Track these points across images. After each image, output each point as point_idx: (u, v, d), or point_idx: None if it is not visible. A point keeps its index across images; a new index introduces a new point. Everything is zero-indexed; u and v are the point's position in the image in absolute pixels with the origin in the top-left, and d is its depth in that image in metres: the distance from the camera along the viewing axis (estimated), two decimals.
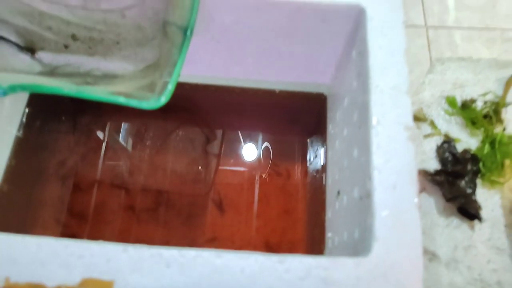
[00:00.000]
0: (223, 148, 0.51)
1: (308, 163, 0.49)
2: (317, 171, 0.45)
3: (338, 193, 0.34)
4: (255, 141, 0.51)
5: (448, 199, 0.32)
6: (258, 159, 0.50)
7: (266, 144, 0.50)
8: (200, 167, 0.51)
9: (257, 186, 0.49)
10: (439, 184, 0.32)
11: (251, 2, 0.32)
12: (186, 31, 0.29)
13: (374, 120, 0.27)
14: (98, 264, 0.23)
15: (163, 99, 0.27)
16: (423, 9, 0.65)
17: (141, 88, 0.29)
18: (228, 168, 0.50)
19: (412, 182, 0.25)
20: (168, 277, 0.23)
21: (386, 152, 0.26)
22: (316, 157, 0.47)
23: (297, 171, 0.49)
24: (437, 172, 0.32)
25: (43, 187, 0.45)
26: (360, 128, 0.29)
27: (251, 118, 0.51)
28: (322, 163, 0.42)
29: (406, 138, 0.27)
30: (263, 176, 0.49)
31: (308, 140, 0.50)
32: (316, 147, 0.48)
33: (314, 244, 0.41)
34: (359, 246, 0.27)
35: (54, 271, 0.23)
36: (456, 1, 0.66)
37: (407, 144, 0.26)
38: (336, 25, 0.33)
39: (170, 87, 0.27)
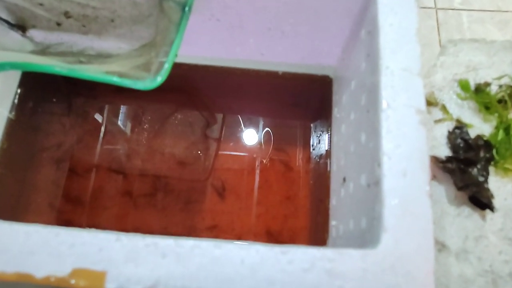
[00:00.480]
0: (223, 132, 0.50)
1: (311, 148, 0.47)
2: (320, 156, 0.43)
3: (344, 179, 0.33)
4: (256, 125, 0.49)
5: (460, 188, 0.30)
6: (259, 143, 0.49)
7: (267, 128, 0.49)
8: (199, 152, 0.50)
9: (258, 171, 0.48)
10: (450, 171, 0.31)
11: None
12: (184, 7, 0.27)
13: (384, 103, 0.25)
14: (90, 254, 0.22)
15: (159, 79, 0.25)
16: None
17: (136, 68, 0.27)
18: (228, 153, 0.49)
19: (423, 169, 0.24)
20: (164, 268, 0.22)
21: (396, 137, 0.25)
22: (319, 142, 0.46)
23: (300, 157, 0.48)
24: (448, 159, 0.31)
25: (36, 170, 0.44)
26: (369, 111, 0.28)
27: (252, 101, 0.49)
28: (326, 149, 0.41)
29: (417, 122, 0.25)
30: (264, 162, 0.48)
31: (312, 125, 0.48)
32: (320, 132, 0.46)
33: (317, 232, 0.40)
34: (367, 236, 0.25)
35: (44, 261, 0.22)
36: None
37: (419, 129, 0.25)
38: (344, 2, 0.31)
39: (167, 66, 0.26)
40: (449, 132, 0.32)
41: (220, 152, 0.49)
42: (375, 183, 0.25)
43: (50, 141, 0.46)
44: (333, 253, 0.22)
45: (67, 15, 0.37)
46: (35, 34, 0.39)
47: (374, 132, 0.26)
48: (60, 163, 0.46)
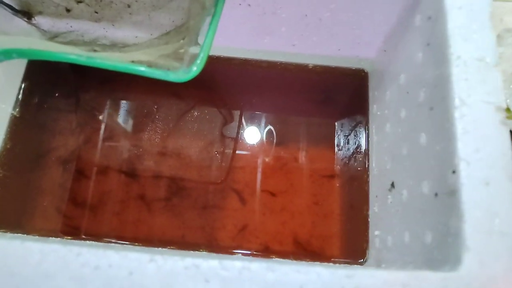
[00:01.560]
0: (242, 131, 0.46)
1: (341, 148, 0.44)
2: (354, 158, 0.40)
3: (393, 185, 0.29)
4: (280, 123, 0.46)
5: None
6: (283, 143, 0.45)
7: (293, 126, 0.45)
8: (216, 152, 0.46)
9: (281, 173, 0.44)
10: None
11: None
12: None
13: (457, 100, 0.22)
14: (119, 278, 0.18)
15: (195, 69, 0.21)
16: None
17: (165, 57, 0.23)
18: (248, 153, 0.45)
19: (508, 177, 0.20)
20: None
21: (475, 139, 0.21)
22: (348, 142, 0.42)
23: (327, 158, 0.44)
24: None
25: (42, 172, 0.40)
26: (433, 109, 0.24)
27: (276, 96, 0.45)
28: (363, 149, 0.37)
29: (498, 122, 0.21)
30: (288, 163, 0.44)
31: (338, 123, 0.44)
32: (349, 131, 0.43)
33: (353, 241, 0.36)
34: (436, 254, 0.22)
35: (63, 286, 0.18)
36: None
37: (501, 130, 0.21)
38: None
39: (202, 55, 0.22)
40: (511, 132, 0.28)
41: (238, 152, 0.45)
42: (448, 193, 0.21)
43: (57, 140, 0.42)
44: (407, 276, 0.19)
45: None
46: (42, 21, 0.35)
47: (442, 133, 0.22)
48: (67, 164, 0.42)
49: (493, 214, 0.20)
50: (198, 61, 0.22)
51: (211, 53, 0.39)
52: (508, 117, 0.28)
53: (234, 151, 0.46)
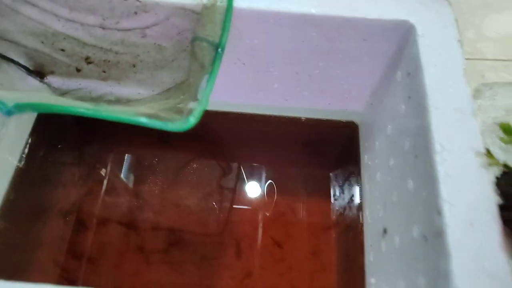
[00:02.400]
0: (239, 183, 0.47)
1: (332, 198, 0.44)
2: (349, 208, 0.40)
3: (385, 231, 0.30)
4: (276, 175, 0.47)
5: None
6: (278, 195, 0.46)
7: (289, 178, 0.46)
8: (214, 204, 0.47)
9: (277, 225, 0.44)
10: (507, 222, 0.28)
11: (286, 18, 0.29)
12: (217, 48, 0.26)
13: (437, 146, 0.23)
14: None
15: (192, 120, 0.23)
16: None
17: (166, 110, 0.25)
18: (244, 206, 0.46)
19: (493, 218, 0.21)
20: None
21: (457, 182, 0.22)
22: (343, 192, 0.43)
23: (323, 209, 0.45)
24: (503, 208, 0.28)
25: (43, 224, 0.40)
26: (417, 157, 0.25)
27: (271, 149, 0.47)
28: (356, 199, 0.38)
29: (478, 165, 0.23)
30: (284, 215, 0.45)
31: (331, 174, 0.46)
32: (341, 181, 0.44)
33: None
34: None
35: None
36: (477, 33, 0.64)
37: (481, 173, 0.22)
38: (379, 43, 0.30)
39: (200, 109, 0.24)
40: (497, 178, 0.30)
41: (236, 205, 0.46)
42: (435, 235, 0.22)
43: (59, 192, 0.43)
44: None
45: (88, 60, 0.36)
46: (53, 80, 0.38)
47: (427, 178, 0.24)
48: (68, 216, 0.43)
49: (479, 254, 0.20)
50: (196, 113, 0.23)
51: (208, 108, 0.42)
52: (491, 164, 0.30)
53: (231, 202, 0.47)
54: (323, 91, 0.37)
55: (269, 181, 0.46)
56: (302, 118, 0.42)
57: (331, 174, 0.46)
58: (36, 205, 0.42)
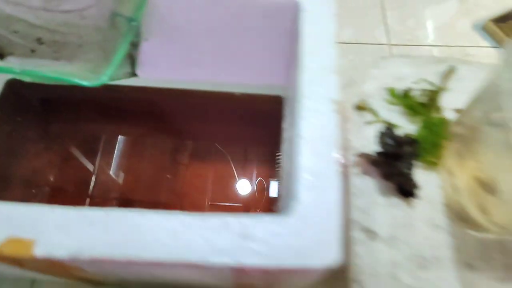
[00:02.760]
0: (190, 156, 0.52)
1: (270, 166, 0.50)
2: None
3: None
4: (222, 148, 0.52)
5: (385, 177, 0.33)
6: (222, 166, 0.51)
7: (230, 152, 0.52)
8: (168, 175, 0.52)
9: (216, 189, 0.50)
10: (378, 165, 0.33)
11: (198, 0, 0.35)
12: (131, 22, 0.32)
13: (302, 95, 0.29)
14: (23, 225, 0.24)
15: (104, 78, 0.29)
16: (386, 29, 0.69)
17: (87, 71, 0.31)
18: (194, 177, 0.51)
19: (335, 150, 0.26)
20: (91, 236, 0.23)
21: (312, 123, 0.28)
22: (275, 162, 0.48)
23: (262, 175, 0.50)
24: (376, 154, 0.33)
25: (5, 191, 0.46)
26: (294, 109, 0.31)
27: (215, 123, 0.52)
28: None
29: (331, 110, 0.28)
30: (223, 181, 0.50)
31: (266, 146, 0.51)
32: (275, 153, 0.49)
33: None
34: (284, 205, 0.27)
35: None
36: (417, 22, 0.70)
37: (332, 116, 0.28)
38: (278, 20, 0.36)
39: (110, 69, 0.29)
40: (380, 132, 0.35)
41: (186, 176, 0.52)
42: (293, 163, 0.27)
43: (24, 167, 0.49)
44: (248, 219, 0.24)
45: (39, 41, 0.41)
46: (13, 60, 0.44)
47: (295, 121, 0.29)
48: (31, 188, 0.48)
49: (320, 177, 0.26)
50: (108, 73, 0.29)
51: (154, 85, 0.47)
52: (377, 121, 0.35)
53: (183, 174, 0.52)
54: (246, 67, 0.42)
55: (217, 153, 0.52)
56: (237, 93, 0.47)
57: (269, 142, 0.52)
58: (2, 180, 0.47)
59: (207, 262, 0.23)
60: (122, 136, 0.52)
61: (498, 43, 0.64)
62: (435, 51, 0.66)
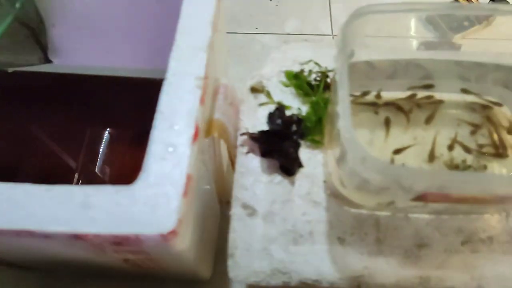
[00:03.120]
0: (88, 143, 0.52)
1: None
2: None
3: None
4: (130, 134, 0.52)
5: (265, 155, 0.33)
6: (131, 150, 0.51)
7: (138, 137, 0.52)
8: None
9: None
10: (259, 143, 0.34)
11: None
12: (15, 4, 0.32)
13: (169, 72, 0.29)
14: None
15: None
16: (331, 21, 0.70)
17: None
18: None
19: (189, 124, 0.27)
20: None
21: (172, 98, 0.28)
22: None
23: None
24: (260, 132, 0.34)
25: None
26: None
27: (125, 108, 0.52)
28: None
29: (194, 86, 0.29)
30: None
31: None
32: None
33: None
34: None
35: None
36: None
37: (194, 91, 0.28)
38: (169, 4, 0.36)
39: None
40: (269, 113, 0.36)
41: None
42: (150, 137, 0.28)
43: None
44: (91, 189, 0.25)
45: None
46: None
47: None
48: None
49: (170, 147, 0.26)
50: None
51: (72, 72, 0.48)
52: (269, 103, 0.36)
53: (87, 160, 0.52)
54: (141, 50, 0.43)
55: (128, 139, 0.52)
56: (157, 79, 0.47)
57: None
58: None
59: (46, 230, 0.24)
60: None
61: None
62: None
